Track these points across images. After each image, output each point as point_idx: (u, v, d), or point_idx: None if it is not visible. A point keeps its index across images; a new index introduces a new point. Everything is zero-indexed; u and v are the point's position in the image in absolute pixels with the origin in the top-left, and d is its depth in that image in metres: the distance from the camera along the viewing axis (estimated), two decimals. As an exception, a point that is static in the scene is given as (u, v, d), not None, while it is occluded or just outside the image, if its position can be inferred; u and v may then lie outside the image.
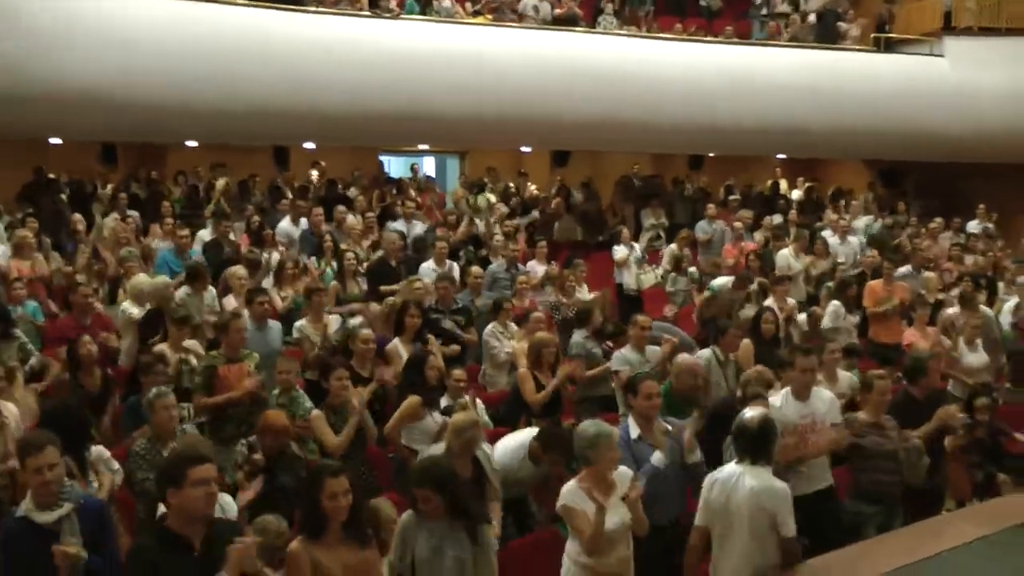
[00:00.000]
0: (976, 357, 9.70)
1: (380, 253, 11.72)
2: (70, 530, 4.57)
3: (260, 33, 13.39)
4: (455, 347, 9.33)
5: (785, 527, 5.12)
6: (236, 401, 7.26)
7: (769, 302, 10.37)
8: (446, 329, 9.39)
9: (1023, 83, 16.60)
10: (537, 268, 12.20)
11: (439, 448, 5.97)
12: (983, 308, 10.76)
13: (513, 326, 9.51)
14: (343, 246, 11.69)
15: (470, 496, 5.31)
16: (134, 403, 7.10)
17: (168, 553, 4.05)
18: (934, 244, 14.82)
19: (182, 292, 9.63)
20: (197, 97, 12.86)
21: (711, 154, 19.65)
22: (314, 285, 9.86)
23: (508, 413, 7.88)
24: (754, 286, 11.28)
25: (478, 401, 7.77)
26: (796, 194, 19.07)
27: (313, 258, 11.69)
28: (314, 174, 17.69)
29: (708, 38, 17.29)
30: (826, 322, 10.66)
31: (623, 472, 5.40)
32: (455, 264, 11.76)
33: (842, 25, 18.02)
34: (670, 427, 6.13)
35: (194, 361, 7.98)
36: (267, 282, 10.52)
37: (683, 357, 7.81)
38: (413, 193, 16.19)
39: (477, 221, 14.28)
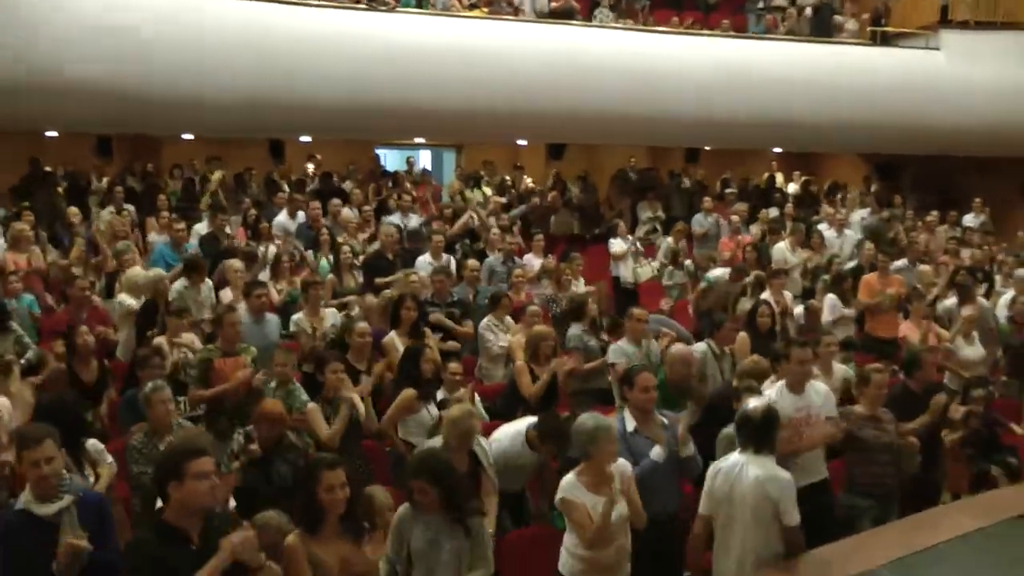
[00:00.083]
0: (973, 350, 9.73)
1: (376, 246, 11.73)
2: (70, 523, 4.58)
3: (256, 26, 13.36)
4: (454, 343, 9.34)
5: (788, 516, 5.16)
6: (230, 393, 7.27)
7: (765, 296, 10.37)
8: (438, 322, 9.38)
9: (1019, 77, 16.58)
10: (534, 261, 12.22)
11: (437, 442, 5.97)
12: (980, 300, 10.77)
13: (510, 320, 9.52)
14: (340, 239, 11.70)
15: (465, 490, 5.33)
16: (131, 397, 7.10)
17: (167, 546, 4.04)
18: (930, 238, 14.84)
19: (179, 285, 9.64)
20: (193, 90, 12.83)
21: (707, 147, 19.65)
22: (311, 279, 9.87)
23: (505, 406, 7.87)
24: (750, 279, 11.28)
25: (475, 394, 7.77)
26: (792, 188, 19.09)
27: (310, 251, 11.69)
28: (310, 167, 17.69)
29: (704, 32, 17.29)
30: (827, 316, 10.68)
31: (621, 465, 5.41)
32: (451, 257, 11.77)
33: (838, 18, 18.03)
34: (666, 420, 6.14)
35: (191, 355, 7.99)
36: (263, 276, 10.51)
37: (676, 347, 7.84)
38: (409, 186, 16.18)
39: (473, 215, 14.27)
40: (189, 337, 8.41)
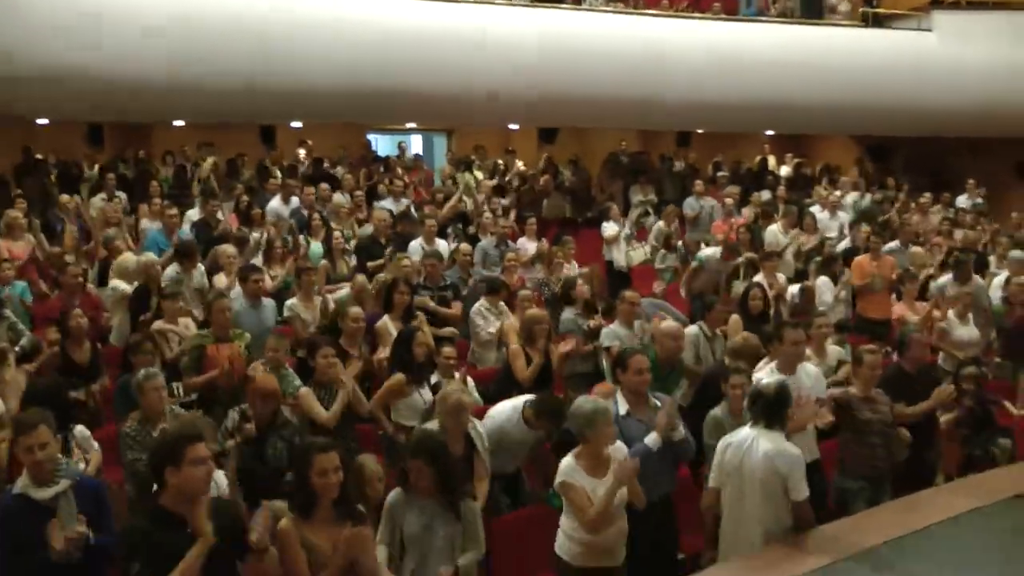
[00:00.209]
0: (967, 331, 9.72)
1: (368, 230, 11.72)
2: (67, 507, 4.59)
3: (247, 11, 13.28)
4: (451, 329, 9.33)
5: (797, 491, 5.22)
6: (223, 380, 7.27)
7: (758, 278, 10.37)
8: (422, 305, 9.33)
9: (1011, 57, 16.59)
10: (527, 245, 12.20)
11: (433, 426, 5.98)
12: (976, 278, 10.79)
13: (503, 305, 9.50)
14: (333, 224, 11.70)
15: (460, 473, 5.34)
16: (125, 383, 7.09)
17: (163, 531, 4.05)
18: (923, 219, 14.84)
19: (171, 270, 9.63)
20: (184, 76, 12.78)
21: (699, 131, 19.62)
22: (304, 264, 9.85)
23: (499, 390, 7.86)
24: (742, 260, 11.29)
25: (468, 378, 7.78)
26: (785, 170, 19.07)
27: (302, 236, 11.68)
28: (301, 153, 17.64)
29: (696, 14, 17.24)
30: (827, 298, 10.69)
31: (618, 447, 5.42)
32: (444, 242, 11.75)
33: (830, 0, 17.98)
34: (659, 403, 6.14)
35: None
36: (256, 262, 10.49)
37: (665, 323, 7.86)
38: (400, 171, 16.16)
39: (465, 199, 14.25)
40: (185, 322, 8.41)
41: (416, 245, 11.04)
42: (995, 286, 11.00)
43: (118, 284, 9.43)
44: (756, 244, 12.27)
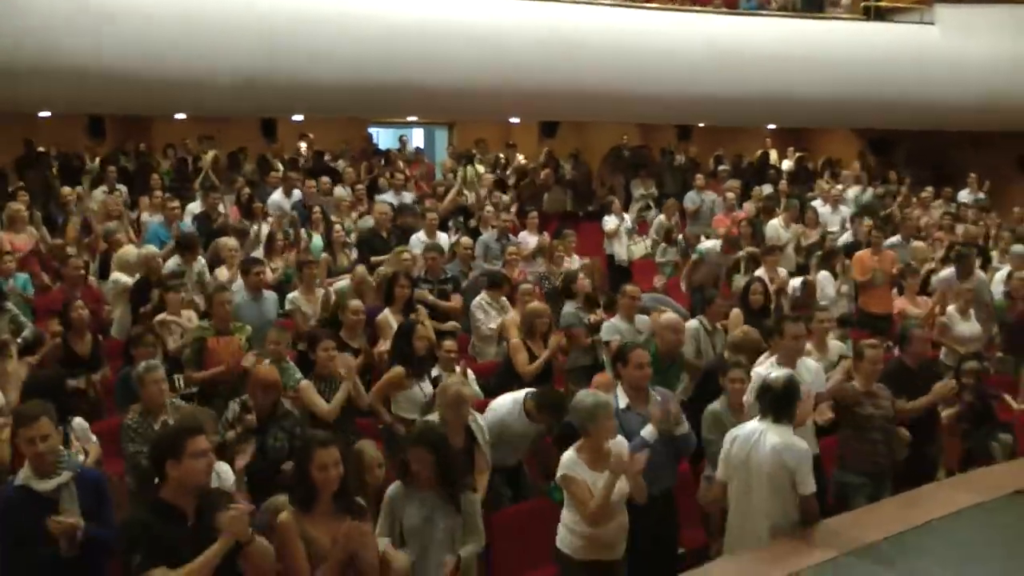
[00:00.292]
0: (968, 326, 9.66)
1: (369, 223, 11.73)
2: (68, 499, 4.61)
3: (247, 5, 13.27)
4: (454, 323, 9.33)
5: (804, 485, 5.22)
6: (224, 377, 7.29)
7: (760, 272, 10.36)
8: (421, 298, 9.30)
9: (1014, 51, 16.56)
10: (529, 239, 12.20)
11: (434, 418, 5.99)
12: (978, 272, 10.78)
13: (505, 300, 9.49)
14: (333, 218, 11.70)
15: (460, 465, 5.35)
16: (126, 376, 7.09)
17: (163, 524, 4.06)
18: (924, 214, 14.82)
19: (172, 263, 9.63)
20: (185, 69, 12.77)
21: (700, 124, 19.61)
22: (306, 258, 9.85)
23: (499, 384, 7.86)
24: (743, 254, 11.27)
25: (468, 371, 7.79)
26: (787, 164, 19.05)
27: (303, 229, 11.69)
28: (302, 146, 17.63)
29: (697, 8, 17.20)
30: (828, 292, 10.67)
31: (619, 441, 5.42)
32: (445, 235, 11.75)
33: (832, -6, 17.99)
34: (659, 397, 6.15)
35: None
36: (257, 254, 10.49)
37: (665, 315, 7.85)
38: (402, 165, 16.15)
39: (466, 192, 14.24)
40: (188, 314, 8.41)
41: (417, 238, 11.03)
42: (997, 281, 10.97)
43: (119, 277, 9.43)
44: (758, 238, 12.27)
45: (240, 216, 12.32)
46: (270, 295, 9.01)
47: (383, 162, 16.77)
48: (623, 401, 6.06)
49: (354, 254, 11.01)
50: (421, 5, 14.40)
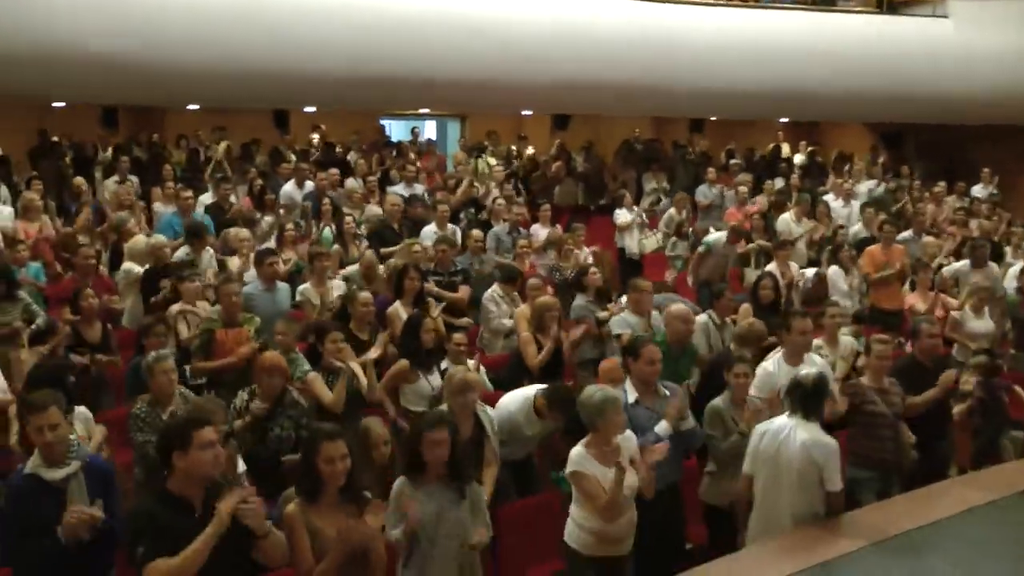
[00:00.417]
0: (982, 323, 9.62)
1: (376, 211, 11.74)
2: (77, 488, 4.62)
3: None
4: (467, 319, 9.32)
5: (832, 482, 5.32)
6: (232, 367, 7.30)
7: (771, 267, 10.33)
8: (427, 290, 9.30)
9: (1028, 45, 16.47)
10: (540, 232, 12.19)
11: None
12: (991, 265, 10.73)
13: (516, 294, 9.47)
14: (345, 209, 11.70)
15: (468, 456, 5.35)
16: (136, 365, 7.11)
17: (170, 514, 4.07)
18: (937, 209, 14.77)
19: (181, 252, 9.66)
20: (197, 60, 12.75)
21: (712, 118, 19.56)
22: (318, 250, 9.85)
23: (510, 377, 7.86)
24: (753, 246, 11.23)
25: (481, 366, 7.78)
26: (799, 158, 18.99)
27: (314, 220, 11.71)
28: (315, 137, 17.65)
29: (709, 1, 17.14)
30: (841, 286, 10.64)
31: (627, 436, 5.42)
32: (457, 228, 11.75)
33: (845, -13, 17.91)
34: (668, 392, 6.15)
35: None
36: (268, 245, 10.50)
37: (675, 305, 7.83)
38: (413, 156, 16.14)
39: (477, 184, 14.24)
40: (203, 304, 8.41)
41: (429, 231, 11.03)
42: (1010, 276, 10.94)
43: (132, 267, 9.47)
44: (769, 232, 12.23)
45: (253, 207, 12.34)
46: (283, 286, 9.01)
47: (394, 154, 16.77)
48: (632, 395, 6.07)
49: (364, 245, 11.01)
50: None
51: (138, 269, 9.38)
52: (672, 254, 13.31)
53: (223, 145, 15.06)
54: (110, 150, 15.77)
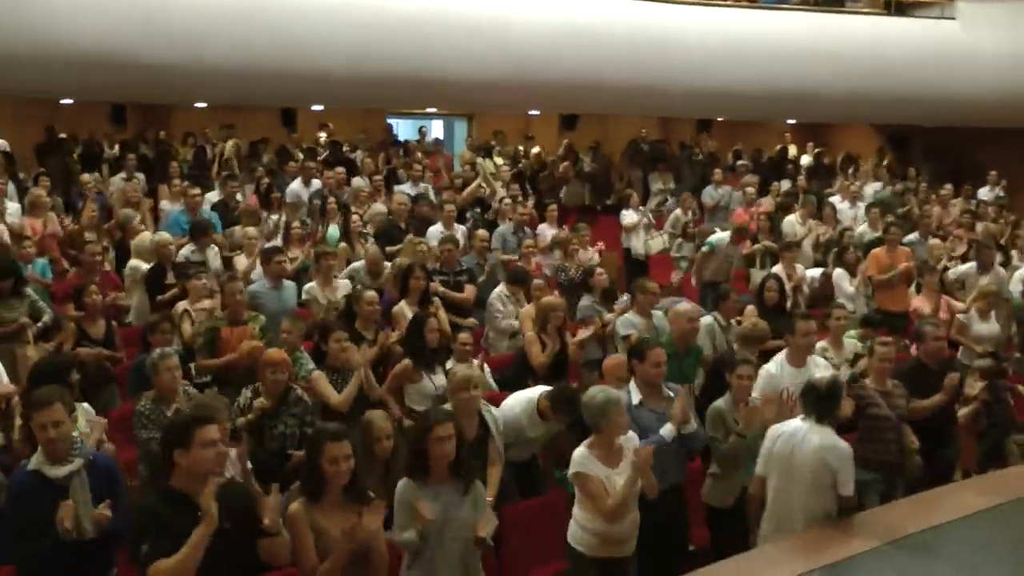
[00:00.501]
0: (987, 327, 9.56)
1: (380, 209, 11.78)
2: (80, 486, 4.63)
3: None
4: (473, 320, 9.33)
5: (845, 486, 5.33)
6: (235, 364, 7.30)
7: (777, 269, 10.31)
8: (432, 290, 9.28)
9: (1035, 47, 16.43)
10: (547, 232, 12.18)
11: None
12: (998, 268, 10.69)
13: (522, 294, 9.46)
14: (353, 208, 11.70)
15: (472, 454, 5.35)
16: (141, 362, 7.12)
17: (173, 512, 4.08)
18: (943, 211, 14.74)
19: (186, 250, 9.67)
20: (205, 58, 12.78)
21: (719, 119, 19.53)
22: (324, 248, 9.86)
23: (514, 377, 7.86)
24: (759, 246, 11.21)
25: (485, 366, 7.78)
26: (806, 159, 18.96)
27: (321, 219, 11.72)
28: (322, 136, 17.64)
29: (717, 1, 17.11)
30: (847, 288, 10.62)
31: (631, 437, 5.42)
32: (463, 227, 11.74)
33: (853, -12, 17.87)
34: (672, 393, 6.14)
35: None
36: (275, 243, 10.50)
37: (680, 304, 7.83)
38: (420, 156, 16.14)
39: (483, 184, 14.23)
40: (210, 303, 8.42)
41: (436, 230, 11.03)
42: (1016, 279, 10.92)
43: (138, 264, 9.49)
44: (776, 233, 12.21)
45: (260, 205, 12.35)
46: (290, 284, 9.05)
47: (401, 153, 16.77)
48: (636, 397, 6.07)
49: (370, 243, 11.00)
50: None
51: (145, 266, 9.42)
52: (677, 255, 13.28)
53: (231, 143, 15.07)
54: (117, 147, 15.77)
